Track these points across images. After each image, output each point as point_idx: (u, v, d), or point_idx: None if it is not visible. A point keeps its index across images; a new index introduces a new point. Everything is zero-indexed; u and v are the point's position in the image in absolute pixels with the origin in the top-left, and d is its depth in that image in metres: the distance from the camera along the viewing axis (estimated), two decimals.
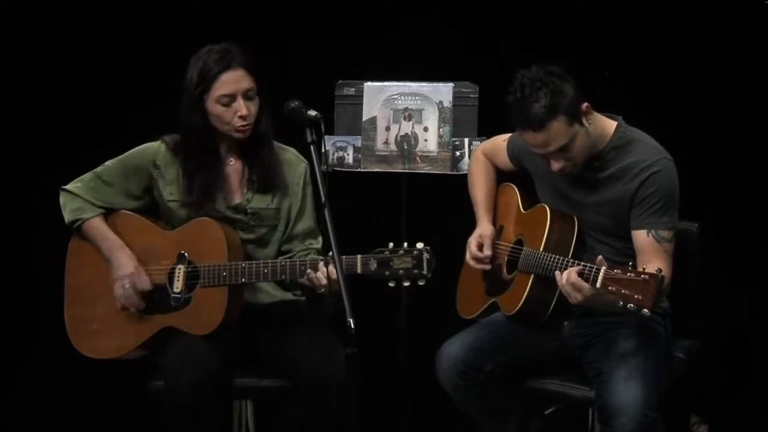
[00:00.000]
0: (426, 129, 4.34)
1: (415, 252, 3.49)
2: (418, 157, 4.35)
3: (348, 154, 4.36)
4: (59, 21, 4.69)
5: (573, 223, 3.69)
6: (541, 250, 3.66)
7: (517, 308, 3.70)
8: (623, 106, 3.73)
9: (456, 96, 4.32)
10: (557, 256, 3.58)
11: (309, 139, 3.50)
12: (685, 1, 4.48)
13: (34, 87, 4.70)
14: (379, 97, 4.35)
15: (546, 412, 3.87)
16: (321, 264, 3.55)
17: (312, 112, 3.52)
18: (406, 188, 4.37)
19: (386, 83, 4.36)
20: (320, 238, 3.84)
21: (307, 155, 3.66)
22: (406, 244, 3.50)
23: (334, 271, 3.39)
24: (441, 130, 4.33)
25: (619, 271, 3.35)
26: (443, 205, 4.57)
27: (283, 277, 3.65)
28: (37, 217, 4.68)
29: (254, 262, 3.68)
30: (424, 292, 3.68)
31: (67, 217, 3.79)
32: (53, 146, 4.66)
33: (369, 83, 4.36)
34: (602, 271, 3.37)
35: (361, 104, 4.35)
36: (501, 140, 3.97)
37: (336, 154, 4.35)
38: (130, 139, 3.88)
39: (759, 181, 4.51)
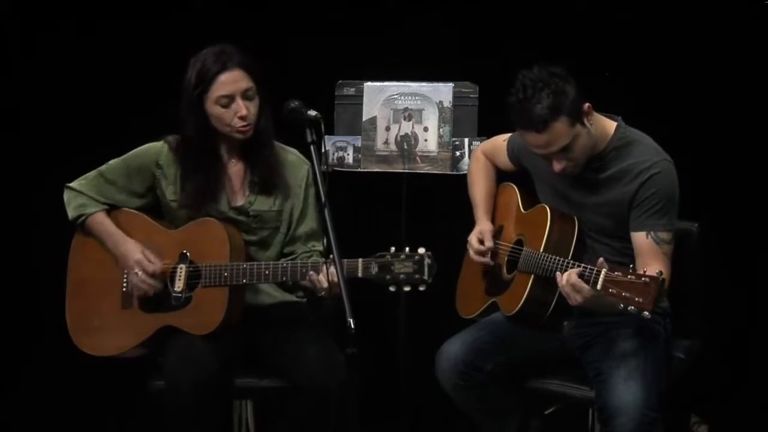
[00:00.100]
0: (426, 129, 4.34)
1: (416, 257, 3.48)
2: (418, 157, 4.35)
3: (348, 154, 4.36)
4: (59, 21, 4.69)
5: (573, 224, 3.69)
6: (541, 250, 3.66)
7: (517, 308, 3.70)
8: (623, 106, 3.73)
9: (456, 96, 4.32)
10: (557, 257, 3.58)
11: (309, 139, 3.50)
12: (685, 1, 4.48)
13: (34, 87, 4.70)
14: (379, 97, 4.35)
15: (546, 412, 3.87)
16: (322, 266, 3.55)
17: (312, 112, 3.51)
18: (406, 188, 4.37)
19: (386, 83, 4.35)
20: (323, 241, 3.83)
21: (307, 155, 3.66)
22: (407, 249, 3.50)
23: (335, 273, 3.39)
24: (441, 130, 4.33)
25: (620, 273, 3.35)
26: (443, 205, 4.57)
27: (284, 278, 3.65)
28: (37, 218, 4.69)
29: (256, 263, 3.68)
30: (423, 292, 3.67)
31: (71, 213, 3.80)
32: (53, 146, 4.66)
33: (369, 83, 4.36)
34: (603, 273, 3.37)
35: (361, 104, 4.35)
36: (501, 140, 3.97)
37: (336, 154, 4.35)
38: (129, 139, 3.88)
39: (759, 181, 4.51)
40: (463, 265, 4.03)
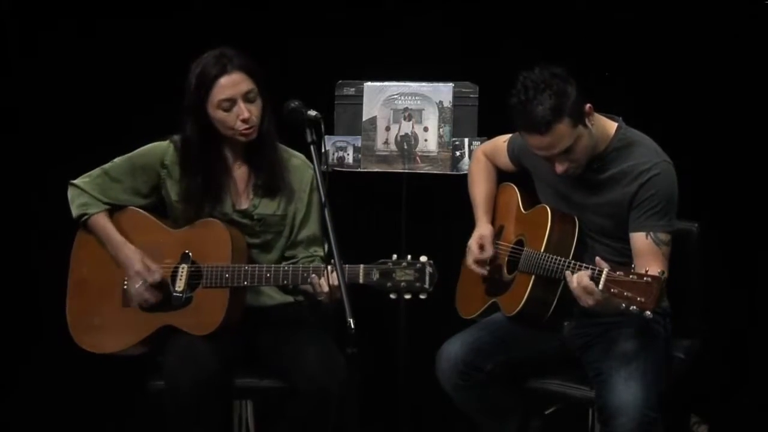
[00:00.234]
0: (426, 129, 4.34)
1: (418, 265, 3.48)
2: (418, 157, 4.35)
3: (348, 154, 4.36)
4: (59, 21, 4.69)
5: (574, 224, 3.69)
6: (541, 250, 3.65)
7: (518, 309, 3.70)
8: (623, 107, 3.73)
9: (456, 96, 4.32)
10: (558, 257, 3.58)
11: (309, 139, 3.49)
12: (685, 1, 4.48)
13: (34, 87, 4.70)
14: (379, 97, 4.35)
15: (546, 412, 3.87)
16: (323, 270, 3.54)
17: (312, 112, 3.51)
18: (406, 188, 4.37)
19: (386, 83, 4.35)
20: (325, 246, 3.83)
21: (307, 155, 3.65)
22: (409, 257, 3.49)
23: (335, 277, 3.38)
24: (441, 130, 4.33)
25: (622, 273, 3.35)
26: (443, 205, 4.57)
27: (286, 282, 3.65)
28: (36, 218, 4.69)
29: (257, 265, 3.67)
30: None
31: (75, 211, 3.79)
32: (53, 146, 4.66)
33: (369, 83, 4.36)
34: (605, 273, 3.37)
35: (361, 104, 4.35)
36: (501, 141, 3.96)
37: (336, 154, 4.35)
38: (129, 139, 3.88)
39: (759, 181, 4.51)
40: (463, 266, 4.02)
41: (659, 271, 3.33)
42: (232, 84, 3.66)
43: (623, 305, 3.33)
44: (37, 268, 4.60)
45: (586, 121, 3.54)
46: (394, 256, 3.50)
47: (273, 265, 3.68)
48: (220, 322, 3.65)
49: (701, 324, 3.89)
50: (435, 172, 4.34)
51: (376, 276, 3.50)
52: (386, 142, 4.35)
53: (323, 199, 3.40)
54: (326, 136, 4.24)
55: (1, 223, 4.71)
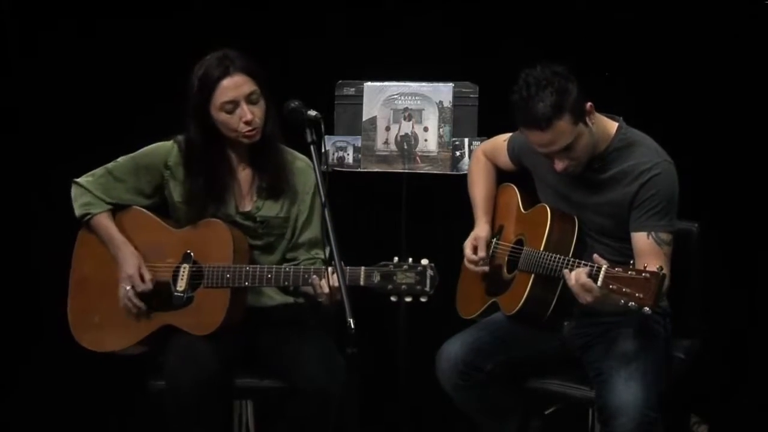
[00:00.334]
0: (426, 129, 4.34)
1: (419, 268, 3.47)
2: (418, 157, 4.35)
3: (348, 154, 4.36)
4: (59, 21, 4.69)
5: (573, 223, 3.69)
6: (541, 249, 3.66)
7: (518, 308, 3.70)
8: (623, 106, 3.73)
9: (456, 96, 4.32)
10: (558, 256, 3.58)
11: (309, 139, 3.49)
12: (685, 1, 4.48)
13: (34, 87, 4.70)
14: (379, 97, 4.35)
15: (546, 412, 3.87)
16: (324, 272, 3.54)
17: (312, 112, 3.51)
18: (406, 188, 4.37)
19: (386, 83, 4.35)
20: (327, 249, 3.83)
21: (307, 155, 3.65)
22: (410, 260, 3.49)
23: (336, 278, 3.38)
24: (441, 130, 4.33)
25: (620, 269, 3.35)
26: (443, 205, 4.57)
27: (286, 283, 3.65)
28: (36, 218, 4.69)
29: (258, 266, 3.67)
30: None
31: (77, 210, 3.79)
32: (53, 146, 4.66)
33: (369, 83, 4.36)
34: (603, 269, 3.37)
35: (361, 104, 4.35)
36: (501, 140, 3.96)
37: (336, 154, 4.35)
38: (129, 139, 3.88)
39: (759, 181, 4.51)
40: (462, 266, 4.02)
41: (658, 266, 3.33)
42: (234, 86, 3.65)
43: (622, 301, 3.33)
44: (38, 267, 4.60)
45: (587, 119, 3.54)
46: (396, 259, 3.50)
47: (274, 266, 3.68)
48: (220, 323, 3.65)
49: (701, 324, 3.89)
50: (435, 172, 4.34)
51: (377, 278, 3.49)
52: (386, 142, 4.35)
53: (323, 199, 3.40)
54: (326, 136, 4.24)
55: (1, 223, 4.72)
